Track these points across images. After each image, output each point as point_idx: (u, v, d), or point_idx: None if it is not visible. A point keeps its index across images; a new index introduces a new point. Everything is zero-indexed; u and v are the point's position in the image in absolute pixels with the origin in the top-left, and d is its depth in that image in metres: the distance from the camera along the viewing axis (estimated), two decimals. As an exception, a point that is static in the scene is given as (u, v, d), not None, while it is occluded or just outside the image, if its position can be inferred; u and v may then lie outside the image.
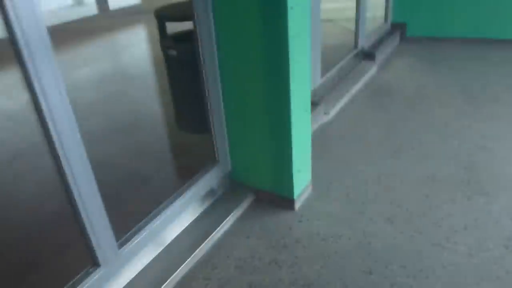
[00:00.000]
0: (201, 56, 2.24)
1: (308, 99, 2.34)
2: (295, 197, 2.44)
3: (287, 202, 2.46)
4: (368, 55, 4.56)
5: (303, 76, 2.22)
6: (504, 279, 1.98)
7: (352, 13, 4.52)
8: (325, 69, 3.87)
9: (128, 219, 2.10)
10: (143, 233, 1.99)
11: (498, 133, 3.18)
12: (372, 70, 4.40)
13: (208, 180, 2.40)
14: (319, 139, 3.23)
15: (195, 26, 2.19)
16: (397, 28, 5.51)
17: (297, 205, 2.49)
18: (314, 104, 3.38)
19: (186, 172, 2.62)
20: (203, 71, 2.27)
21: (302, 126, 2.34)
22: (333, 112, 3.54)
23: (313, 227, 2.34)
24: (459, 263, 2.07)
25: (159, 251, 2.11)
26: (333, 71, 4.00)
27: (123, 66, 5.57)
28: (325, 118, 3.43)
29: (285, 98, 2.14)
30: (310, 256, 2.15)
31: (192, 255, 2.09)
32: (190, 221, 2.30)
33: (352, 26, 4.61)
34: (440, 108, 3.63)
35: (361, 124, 3.45)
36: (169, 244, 2.16)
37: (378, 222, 2.36)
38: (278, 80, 2.12)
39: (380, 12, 5.48)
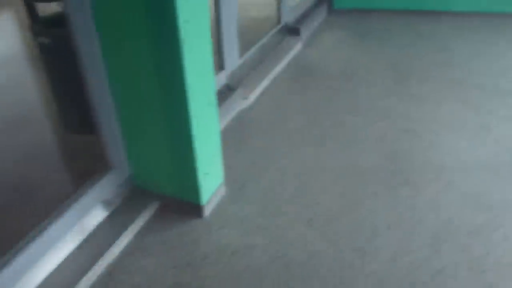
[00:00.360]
0: (77, 43, 1.83)
1: (212, 90, 2.01)
2: (204, 202, 2.14)
3: (195, 208, 2.15)
4: (292, 31, 4.25)
5: (203, 65, 1.89)
6: (429, 285, 1.82)
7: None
8: (244, 48, 3.54)
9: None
10: (10, 269, 1.61)
11: (424, 114, 3.03)
12: (297, 47, 4.12)
13: (100, 190, 2.03)
14: (237, 128, 2.93)
15: (65, 7, 1.78)
16: (323, 0, 5.24)
17: (207, 212, 2.18)
18: (231, 89, 3.05)
19: (79, 180, 2.22)
20: (82, 61, 1.87)
21: (207, 122, 2.02)
22: (253, 96, 3.23)
23: (224, 238, 2.05)
24: (382, 270, 1.88)
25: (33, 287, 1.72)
26: (253, 50, 3.68)
27: (18, 48, 4.85)
28: (244, 104, 3.12)
29: (180, 91, 1.80)
30: (219, 274, 1.87)
31: (77, 286, 1.74)
32: (77, 244, 1.90)
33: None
34: (367, 88, 3.43)
35: (283, 109, 3.18)
36: (47, 276, 1.77)
37: (297, 226, 2.12)
38: (171, 72, 1.77)
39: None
